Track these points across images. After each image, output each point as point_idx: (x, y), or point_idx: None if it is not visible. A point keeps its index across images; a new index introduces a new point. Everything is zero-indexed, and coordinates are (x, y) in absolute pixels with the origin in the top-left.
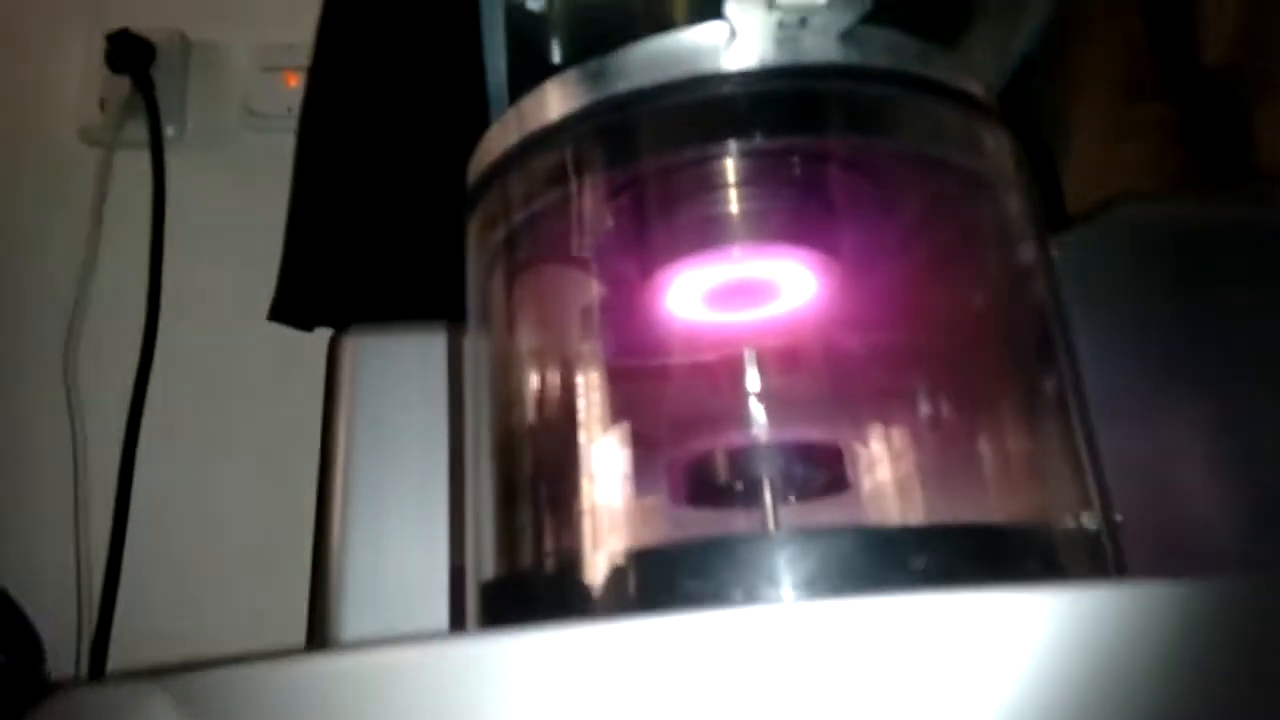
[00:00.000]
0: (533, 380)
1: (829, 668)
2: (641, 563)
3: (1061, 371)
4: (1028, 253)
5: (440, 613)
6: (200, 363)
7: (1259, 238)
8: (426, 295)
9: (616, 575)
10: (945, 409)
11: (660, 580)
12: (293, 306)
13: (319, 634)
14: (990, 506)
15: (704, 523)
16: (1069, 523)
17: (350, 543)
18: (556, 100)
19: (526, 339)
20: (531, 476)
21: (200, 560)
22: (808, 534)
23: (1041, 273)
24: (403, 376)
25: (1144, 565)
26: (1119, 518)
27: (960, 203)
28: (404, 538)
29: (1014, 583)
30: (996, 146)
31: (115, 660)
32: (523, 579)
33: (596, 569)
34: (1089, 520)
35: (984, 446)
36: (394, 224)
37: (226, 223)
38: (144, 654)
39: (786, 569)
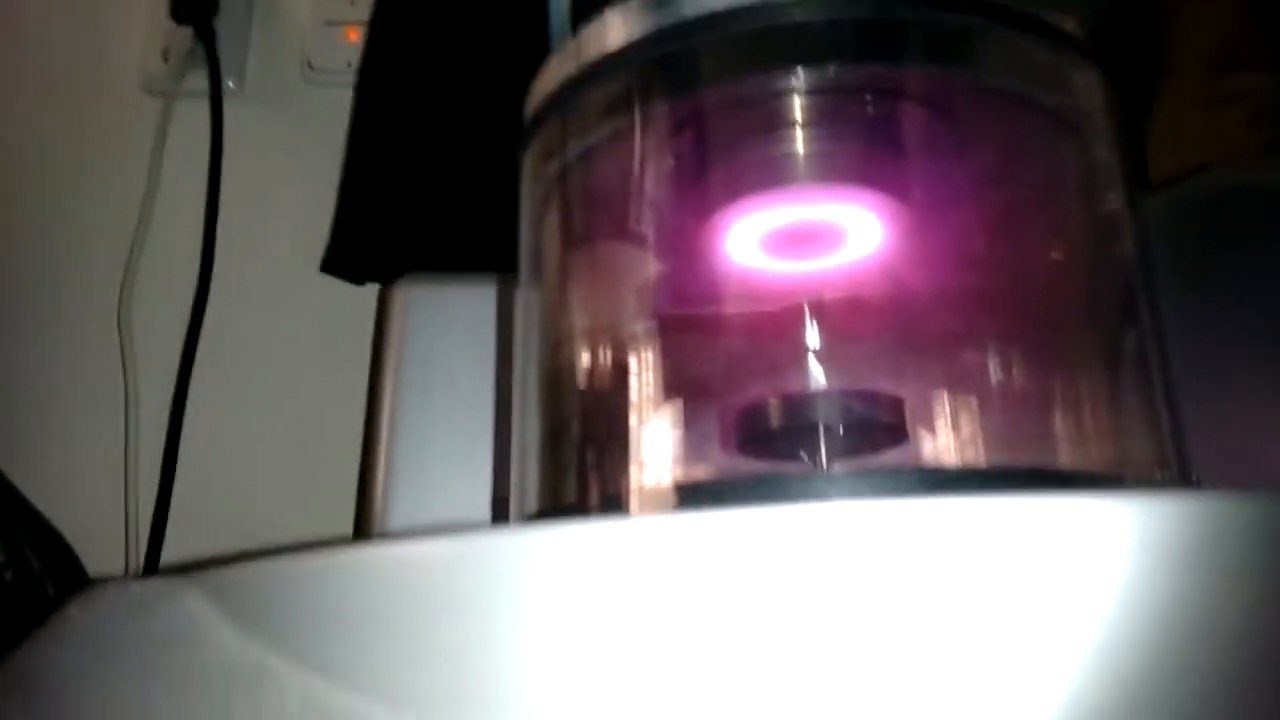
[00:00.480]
0: (584, 321)
1: (880, 570)
2: (686, 495)
3: (1144, 328)
4: (1114, 202)
5: None
6: (253, 314)
7: None
8: (480, 250)
9: (660, 506)
10: (1016, 365)
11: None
12: (345, 259)
13: None
14: (1059, 465)
15: (755, 471)
16: (1143, 480)
17: (394, 489)
18: (617, 28)
19: (579, 279)
20: (580, 417)
21: (246, 511)
22: (862, 472)
23: (1128, 224)
24: (451, 327)
25: None
26: (1196, 479)
27: (1044, 146)
28: (448, 482)
29: None
30: (1087, 87)
31: None
32: (567, 509)
33: (641, 502)
34: (1165, 479)
35: (1056, 406)
36: (449, 177)
37: (283, 175)
38: None
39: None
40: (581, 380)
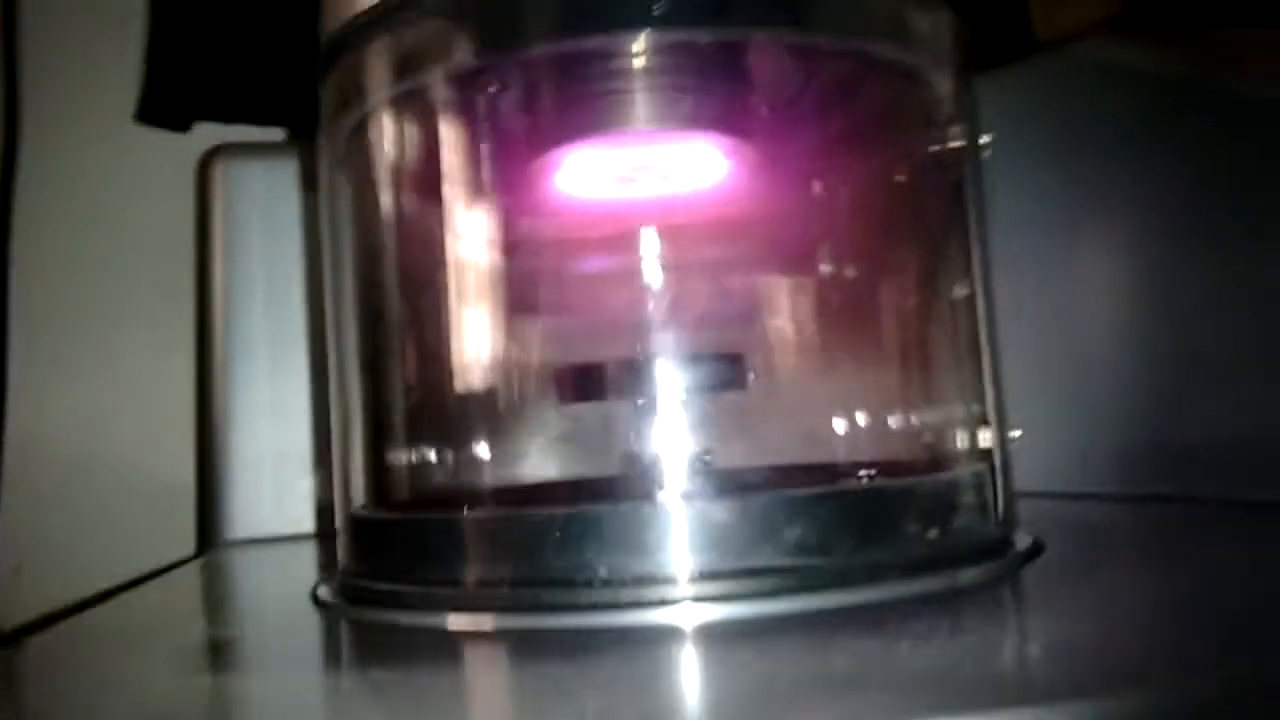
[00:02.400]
0: (404, 257)
1: None
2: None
3: (974, 275)
4: (953, 139)
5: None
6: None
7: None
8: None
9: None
10: (847, 304)
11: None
12: (158, 106)
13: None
14: (885, 407)
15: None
16: (963, 441)
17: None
18: None
19: (399, 208)
20: (399, 353)
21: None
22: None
23: (965, 164)
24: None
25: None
26: (1016, 433)
27: (881, 92)
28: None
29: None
30: (930, 30)
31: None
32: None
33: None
34: (984, 438)
35: (886, 348)
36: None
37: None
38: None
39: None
40: (400, 318)
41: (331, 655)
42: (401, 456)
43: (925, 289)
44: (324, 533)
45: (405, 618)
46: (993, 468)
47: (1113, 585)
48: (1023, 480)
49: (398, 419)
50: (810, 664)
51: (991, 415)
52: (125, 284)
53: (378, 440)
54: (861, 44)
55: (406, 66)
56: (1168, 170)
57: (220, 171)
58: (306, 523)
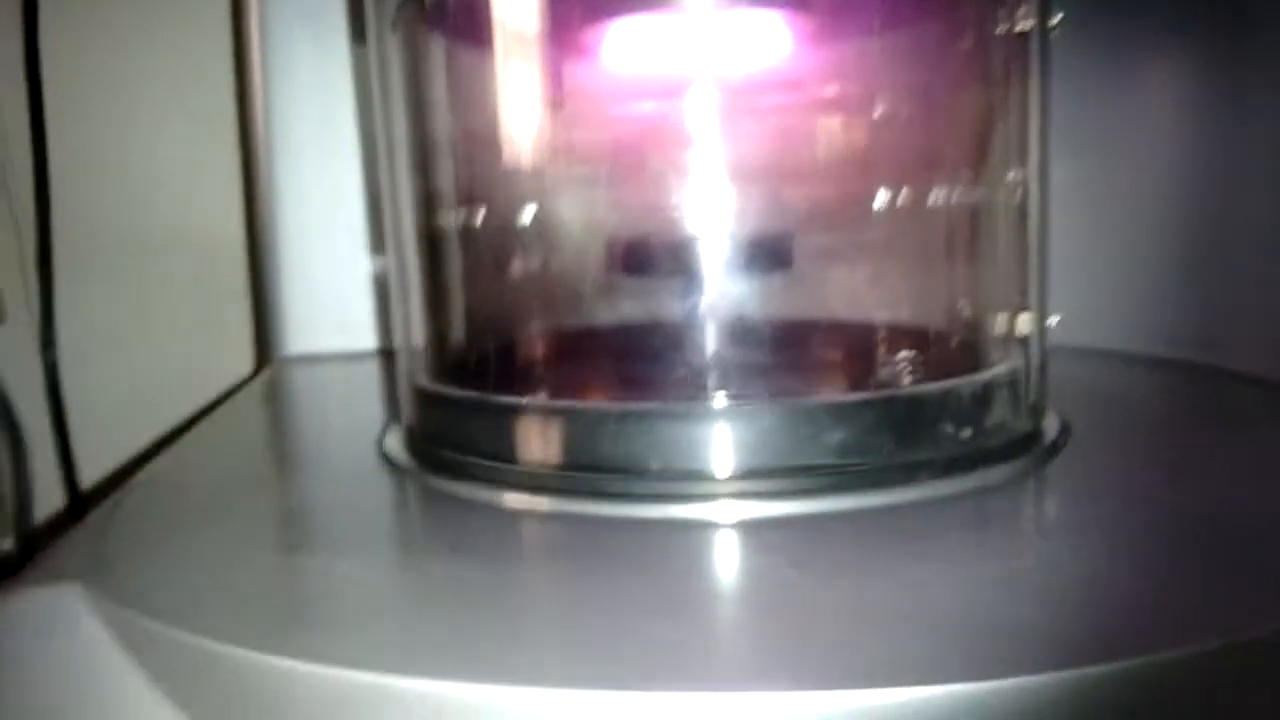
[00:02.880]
0: (464, 120)
1: None
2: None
3: (1030, 160)
4: (1022, 20)
5: None
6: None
7: None
8: None
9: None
10: (898, 193)
11: None
12: None
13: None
14: (931, 290)
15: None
16: (1001, 328)
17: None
18: None
19: (454, 65)
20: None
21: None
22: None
23: (1033, 45)
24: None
25: None
26: (1053, 320)
27: None
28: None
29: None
30: None
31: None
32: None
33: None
34: (1023, 324)
35: (936, 229)
36: None
37: None
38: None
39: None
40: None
41: (405, 531)
42: (460, 322)
43: (980, 172)
44: (385, 351)
45: (468, 490)
46: (1028, 358)
47: (1124, 494)
48: (1066, 333)
49: (455, 281)
50: (833, 558)
51: (1034, 303)
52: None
53: (437, 301)
54: None
55: None
56: (1217, 39)
57: None
58: (361, 337)
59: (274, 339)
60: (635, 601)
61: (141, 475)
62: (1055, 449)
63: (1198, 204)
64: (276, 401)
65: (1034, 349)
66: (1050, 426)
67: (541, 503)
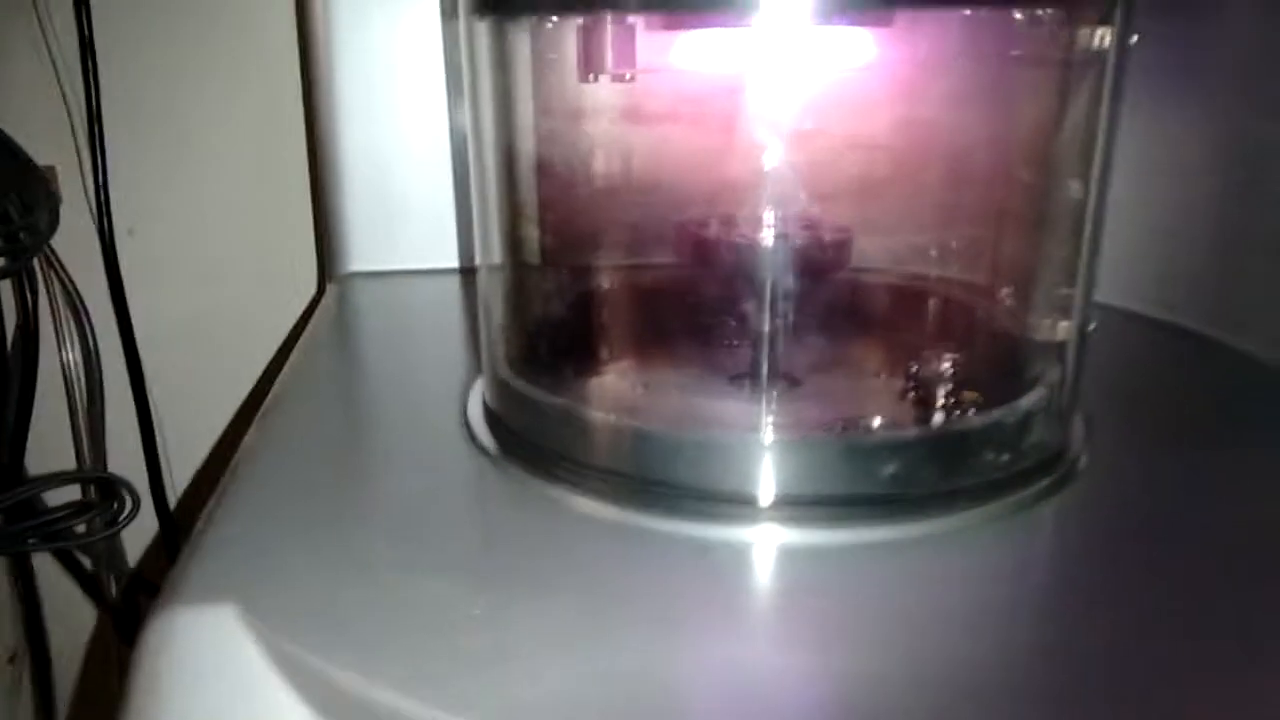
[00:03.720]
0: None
1: None
2: None
3: (1092, 177)
4: (1100, 39)
5: None
6: None
7: None
8: None
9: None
10: (957, 197)
11: None
12: None
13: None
14: (983, 291)
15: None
16: (1044, 333)
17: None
18: None
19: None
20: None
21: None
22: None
23: (1110, 62)
24: None
25: None
26: (1093, 326)
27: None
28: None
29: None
30: None
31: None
32: None
33: None
34: (1062, 332)
35: (989, 248)
36: None
37: None
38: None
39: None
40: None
41: (511, 550)
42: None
43: (1044, 184)
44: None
45: (548, 491)
46: (1064, 367)
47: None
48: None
49: (533, 280)
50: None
51: (1076, 312)
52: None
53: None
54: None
55: None
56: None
57: None
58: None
59: (337, 256)
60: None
61: (243, 462)
62: (1075, 467)
63: (1235, 181)
64: (350, 342)
65: (1071, 358)
66: (1076, 434)
67: (605, 510)
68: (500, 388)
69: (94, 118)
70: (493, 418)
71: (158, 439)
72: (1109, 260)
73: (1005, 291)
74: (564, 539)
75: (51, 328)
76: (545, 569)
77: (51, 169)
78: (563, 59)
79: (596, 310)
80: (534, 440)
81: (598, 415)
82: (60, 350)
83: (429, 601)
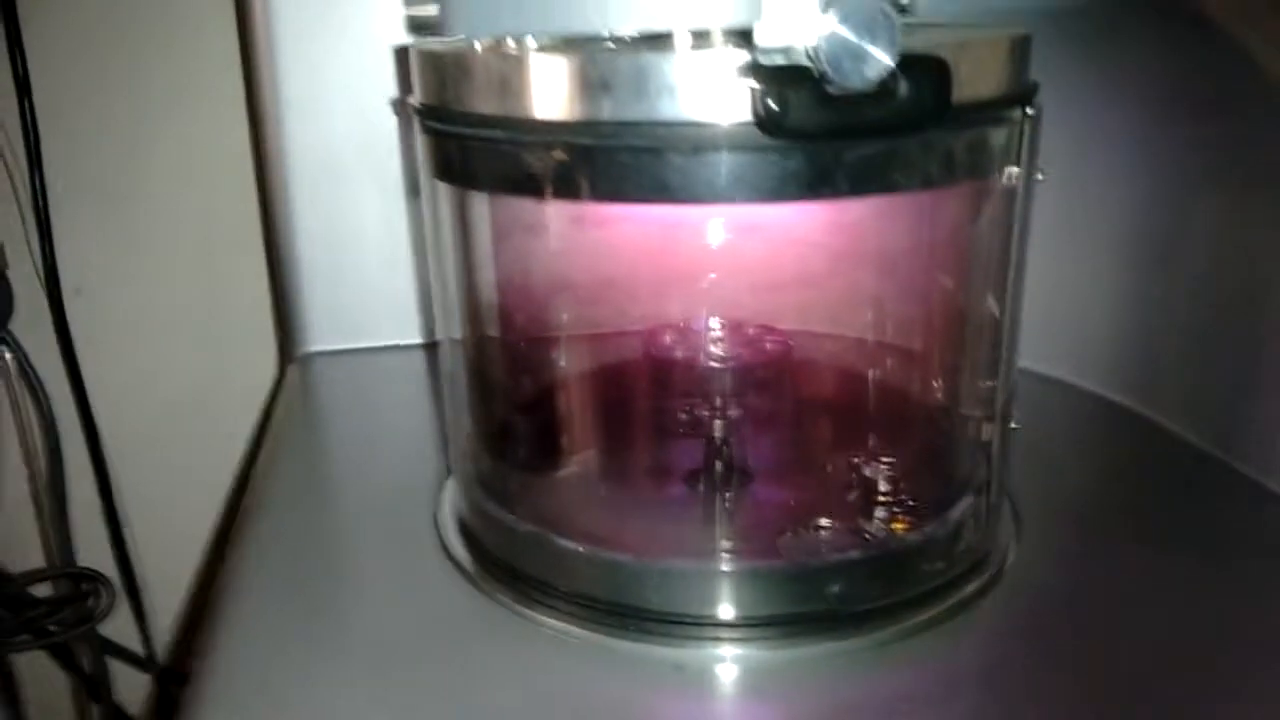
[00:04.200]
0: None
1: None
2: None
3: (1008, 291)
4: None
5: None
6: None
7: None
8: None
9: None
10: (887, 311)
11: None
12: None
13: None
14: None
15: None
16: (972, 435)
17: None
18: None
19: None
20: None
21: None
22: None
23: (1019, 196)
24: None
25: None
26: (1015, 426)
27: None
28: None
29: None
30: (1004, 130)
31: None
32: None
33: None
34: (987, 432)
35: (916, 348)
36: None
37: None
38: None
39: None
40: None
41: (486, 675)
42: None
43: (960, 304)
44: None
45: (513, 609)
46: (991, 466)
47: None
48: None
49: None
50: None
51: (998, 414)
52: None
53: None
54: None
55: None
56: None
57: None
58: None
59: (295, 336)
60: None
61: (228, 590)
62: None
63: (1146, 247)
64: (317, 435)
65: (996, 457)
66: (1004, 530)
67: (572, 630)
68: (473, 508)
69: (37, 185)
70: (465, 531)
71: (119, 513)
72: (1029, 325)
73: (935, 394)
74: (539, 661)
75: (8, 402)
76: (527, 695)
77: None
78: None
79: (558, 412)
80: (506, 560)
81: (566, 545)
82: (20, 431)
83: None
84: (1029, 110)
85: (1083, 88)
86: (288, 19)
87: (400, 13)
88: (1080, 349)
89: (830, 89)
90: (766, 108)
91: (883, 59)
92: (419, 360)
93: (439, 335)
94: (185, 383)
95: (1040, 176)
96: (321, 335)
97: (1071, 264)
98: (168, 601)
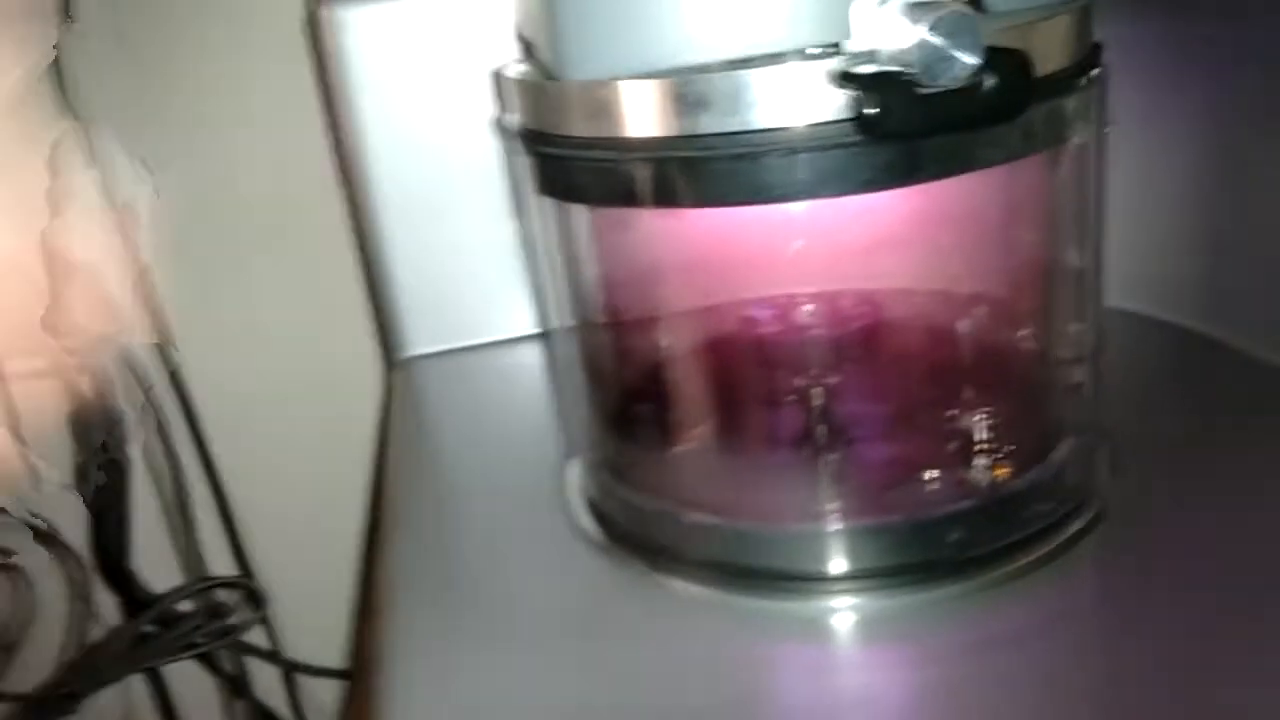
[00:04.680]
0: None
1: None
2: None
3: (1086, 241)
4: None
5: None
6: None
7: None
8: None
9: None
10: (977, 265)
11: None
12: None
13: None
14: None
15: None
16: (1065, 379)
17: None
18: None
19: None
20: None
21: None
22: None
23: (1091, 153)
24: None
25: None
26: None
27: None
28: None
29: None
30: (1075, 98)
31: None
32: None
33: None
34: (1080, 375)
35: (1005, 300)
36: None
37: None
38: None
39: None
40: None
41: (629, 645)
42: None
43: (1044, 255)
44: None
45: (646, 576)
46: (1085, 412)
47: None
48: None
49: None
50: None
51: (1089, 359)
52: None
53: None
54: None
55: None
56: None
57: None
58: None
59: (395, 339)
60: None
61: (388, 594)
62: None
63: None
64: (434, 438)
65: (1089, 397)
66: (1103, 470)
67: (697, 592)
68: (601, 489)
69: None
70: (595, 510)
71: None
72: (1114, 265)
73: (1027, 343)
74: (672, 622)
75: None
76: (662, 653)
77: None
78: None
79: (666, 393)
80: (635, 534)
81: (691, 517)
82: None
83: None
84: (1095, 72)
85: (1151, 38)
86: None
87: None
88: (1164, 284)
89: (923, 90)
90: (867, 112)
91: (969, 60)
92: (518, 354)
93: (552, 325)
94: (288, 390)
95: (1109, 129)
96: (424, 338)
97: (1153, 200)
98: (293, 606)
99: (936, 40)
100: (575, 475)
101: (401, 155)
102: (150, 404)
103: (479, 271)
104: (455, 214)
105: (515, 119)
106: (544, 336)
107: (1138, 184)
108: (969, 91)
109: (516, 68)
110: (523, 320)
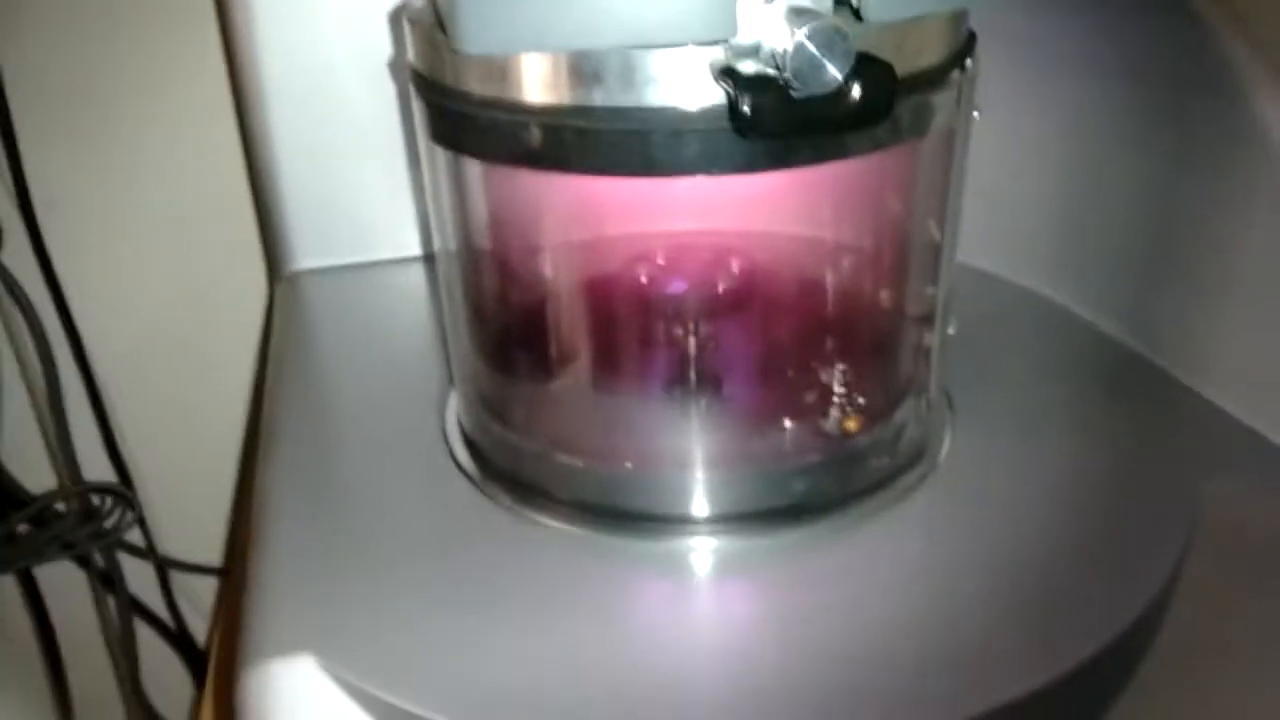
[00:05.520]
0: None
1: None
2: None
3: (945, 216)
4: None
5: None
6: None
7: None
8: None
9: None
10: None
11: None
12: None
13: None
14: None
15: None
16: (914, 339)
17: None
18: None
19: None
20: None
21: None
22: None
23: (955, 143)
24: None
25: None
26: (951, 330)
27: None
28: None
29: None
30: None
31: None
32: None
33: None
34: (928, 339)
35: (864, 266)
36: None
37: None
38: None
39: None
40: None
41: (502, 577)
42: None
43: (905, 227)
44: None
45: (519, 513)
46: (931, 369)
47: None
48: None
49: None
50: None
51: (938, 329)
52: None
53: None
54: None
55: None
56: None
57: None
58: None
59: (280, 251)
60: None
61: (264, 510)
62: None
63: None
64: (316, 354)
65: (935, 358)
66: (941, 426)
67: (573, 532)
68: (476, 424)
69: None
70: (469, 442)
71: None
72: (971, 224)
73: (884, 300)
74: (540, 556)
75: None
76: (530, 584)
77: None
78: None
79: (546, 332)
80: (506, 470)
81: (560, 458)
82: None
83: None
84: (966, 64)
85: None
86: None
87: None
88: (1017, 246)
89: (794, 93)
90: (740, 112)
91: (836, 72)
92: (409, 274)
93: (437, 257)
94: (169, 296)
95: (977, 115)
96: (309, 252)
97: (1013, 174)
98: (168, 504)
99: (810, 48)
100: (454, 405)
101: (296, 64)
102: (21, 301)
103: (370, 186)
104: (346, 125)
105: (414, 63)
106: (429, 262)
107: (1002, 160)
108: (837, 98)
109: (416, 9)
110: (414, 240)
